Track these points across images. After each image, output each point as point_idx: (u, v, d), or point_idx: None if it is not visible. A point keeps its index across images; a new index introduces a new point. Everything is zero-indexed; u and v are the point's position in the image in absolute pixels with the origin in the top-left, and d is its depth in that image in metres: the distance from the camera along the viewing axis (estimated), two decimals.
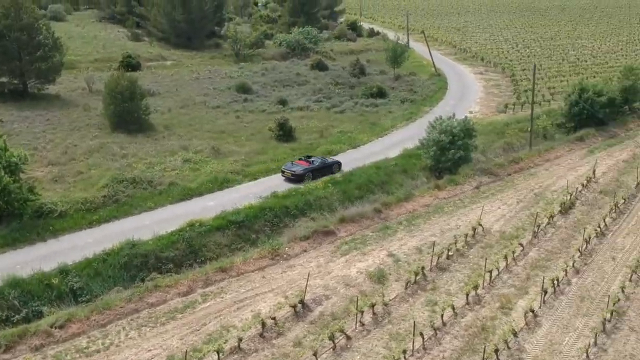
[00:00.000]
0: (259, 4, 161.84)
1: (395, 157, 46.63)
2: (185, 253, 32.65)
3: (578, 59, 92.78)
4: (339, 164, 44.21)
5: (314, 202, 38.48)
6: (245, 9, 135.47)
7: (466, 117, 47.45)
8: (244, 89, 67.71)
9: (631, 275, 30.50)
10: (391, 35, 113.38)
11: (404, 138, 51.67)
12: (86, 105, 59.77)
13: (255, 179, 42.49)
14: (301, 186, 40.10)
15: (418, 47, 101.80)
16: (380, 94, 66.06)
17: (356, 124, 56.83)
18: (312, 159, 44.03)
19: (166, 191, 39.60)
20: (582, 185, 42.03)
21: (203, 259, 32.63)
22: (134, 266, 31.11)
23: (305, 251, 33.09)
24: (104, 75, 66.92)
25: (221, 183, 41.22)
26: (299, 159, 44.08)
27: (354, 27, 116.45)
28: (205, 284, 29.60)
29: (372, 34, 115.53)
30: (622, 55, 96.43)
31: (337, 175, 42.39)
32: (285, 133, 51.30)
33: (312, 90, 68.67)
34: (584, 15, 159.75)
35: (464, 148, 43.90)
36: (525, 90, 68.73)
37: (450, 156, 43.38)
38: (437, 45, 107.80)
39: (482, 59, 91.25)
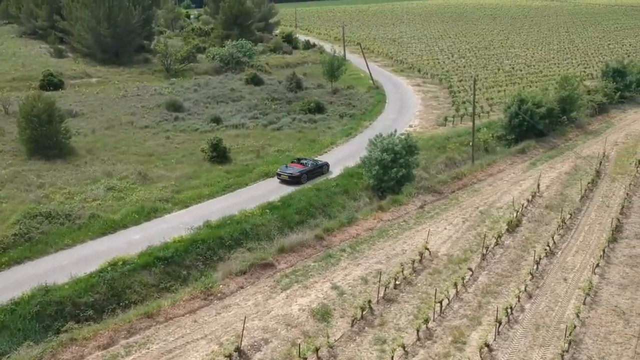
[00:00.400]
0: (191, 17, 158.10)
1: (336, 177, 44.46)
2: (107, 297, 29.32)
3: (513, 68, 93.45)
4: (327, 165, 46.33)
5: (251, 231, 35.76)
6: (177, 21, 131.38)
7: (408, 134, 45.79)
8: (174, 106, 64.29)
9: (585, 299, 29.09)
10: (327, 47, 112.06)
11: (344, 155, 49.60)
12: (0, 129, 55.19)
13: (187, 206, 39.44)
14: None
15: (355, 59, 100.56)
16: (319, 109, 63.94)
17: (294, 141, 54.41)
18: (304, 161, 45.99)
19: (86, 225, 36.04)
20: (528, 200, 40.89)
21: (127, 302, 29.41)
22: (48, 315, 27.61)
23: (241, 287, 30.33)
24: (23, 96, 62.29)
25: (148, 213, 37.96)
26: (292, 162, 45.94)
27: (289, 39, 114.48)
28: (129, 334, 26.43)
29: (308, 46, 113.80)
30: (555, 63, 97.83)
31: (276, 199, 39.82)
32: (219, 154, 48.37)
33: (248, 106, 65.91)
34: (515, 24, 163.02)
35: (407, 166, 42.15)
36: (464, 102, 68.06)
37: (392, 175, 41.53)
38: (374, 57, 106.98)
39: (419, 71, 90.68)
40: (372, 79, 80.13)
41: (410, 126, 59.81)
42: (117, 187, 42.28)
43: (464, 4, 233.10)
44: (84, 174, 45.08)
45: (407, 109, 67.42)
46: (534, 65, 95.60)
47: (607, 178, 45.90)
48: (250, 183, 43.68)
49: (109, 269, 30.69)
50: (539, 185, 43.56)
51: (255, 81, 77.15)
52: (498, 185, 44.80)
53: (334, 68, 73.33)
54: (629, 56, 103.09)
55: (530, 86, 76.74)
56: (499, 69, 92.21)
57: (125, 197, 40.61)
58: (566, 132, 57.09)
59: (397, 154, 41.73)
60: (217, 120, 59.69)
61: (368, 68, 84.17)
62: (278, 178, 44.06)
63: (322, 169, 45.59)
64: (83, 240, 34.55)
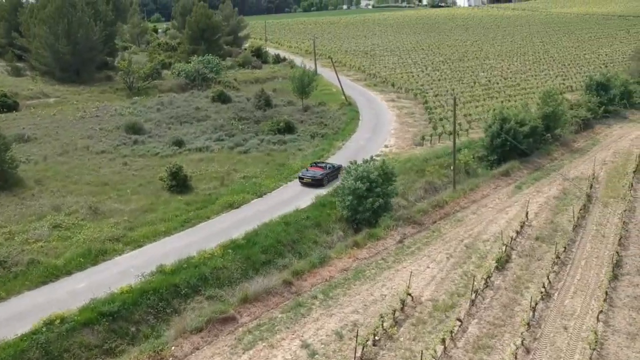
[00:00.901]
0: (160, 31, 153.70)
1: (307, 208, 40.63)
2: None
3: (489, 81, 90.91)
4: (342, 167, 46.58)
5: (211, 276, 31.71)
6: (143, 36, 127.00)
7: (384, 160, 42.20)
8: (134, 128, 60.04)
9: (591, 355, 25.56)
10: (298, 61, 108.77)
11: None
12: None
13: (140, 246, 35.25)
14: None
15: (326, 73, 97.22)
16: (289, 128, 60.27)
17: (262, 166, 50.56)
18: (322, 164, 47.49)
19: (24, 273, 31.63)
20: (516, 232, 37.50)
21: None
22: None
23: (197, 349, 26.26)
24: None
25: (96, 256, 33.68)
26: (311, 166, 47.30)
27: (258, 53, 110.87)
28: None
29: (278, 60, 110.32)
30: (532, 75, 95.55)
31: (239, 237, 35.78)
32: (178, 183, 44.26)
33: (213, 126, 61.91)
34: (488, 34, 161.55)
35: (384, 195, 38.55)
36: (441, 119, 64.96)
37: (368, 205, 37.88)
38: (346, 71, 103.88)
39: (393, 85, 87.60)
40: (344, 95, 76.68)
41: (386, 146, 56.43)
42: (64, 225, 37.93)
43: (435, 15, 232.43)
44: (29, 208, 40.66)
45: (382, 127, 64.09)
46: (510, 78, 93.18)
47: (599, 203, 42.79)
48: (213, 216, 39.63)
49: (44, 329, 26.43)
50: (527, 213, 40.24)
51: (222, 99, 73.27)
52: (483, 214, 41.39)
53: (305, 84, 69.84)
54: (606, 66, 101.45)
55: (509, 100, 74.05)
56: (475, 82, 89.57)
57: (72, 237, 36.25)
58: (551, 151, 54.14)
59: (372, 182, 38.11)
60: (179, 143, 55.61)
61: (340, 84, 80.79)
62: (301, 182, 45.31)
63: (338, 171, 46.46)
64: (19, 291, 30.20)
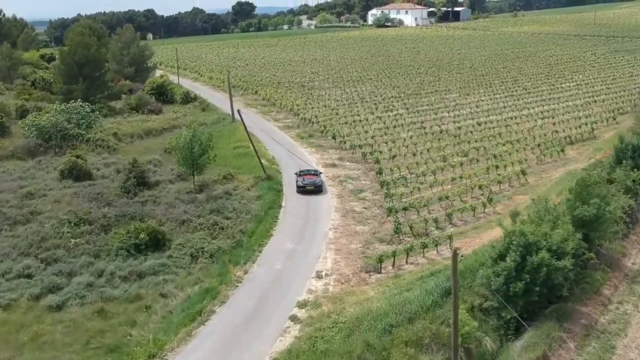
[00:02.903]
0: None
1: None
2: None
3: (459, 128, 68.84)
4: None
5: None
6: (15, 70, 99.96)
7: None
8: None
9: None
10: (217, 98, 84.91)
11: None
12: None
13: None
14: None
15: (252, 116, 73.61)
16: (156, 242, 36.12)
17: (80, 346, 26.32)
18: (309, 170, 49.07)
19: None
20: None
21: None
22: None
23: None
24: None
25: None
26: (302, 174, 47.27)
27: (161, 91, 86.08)
28: None
29: (187, 99, 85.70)
30: (512, 118, 73.93)
31: None
32: None
33: (29, 240, 36.88)
34: (442, 58, 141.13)
35: None
36: (405, 208, 41.91)
37: None
38: (275, 113, 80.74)
39: (334, 137, 64.54)
40: (261, 165, 52.26)
41: (319, 277, 32.99)
42: None
43: (381, 36, 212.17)
44: None
45: (315, 226, 40.61)
46: (486, 123, 71.37)
47: None
48: None
49: None
50: None
51: (76, 174, 48.66)
52: None
53: (196, 155, 45.49)
54: (595, 101, 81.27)
55: (498, 166, 51.86)
56: (441, 131, 67.41)
57: None
58: (599, 286, 31.46)
59: None
60: None
61: (255, 151, 55.81)
62: (302, 189, 45.53)
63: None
64: None
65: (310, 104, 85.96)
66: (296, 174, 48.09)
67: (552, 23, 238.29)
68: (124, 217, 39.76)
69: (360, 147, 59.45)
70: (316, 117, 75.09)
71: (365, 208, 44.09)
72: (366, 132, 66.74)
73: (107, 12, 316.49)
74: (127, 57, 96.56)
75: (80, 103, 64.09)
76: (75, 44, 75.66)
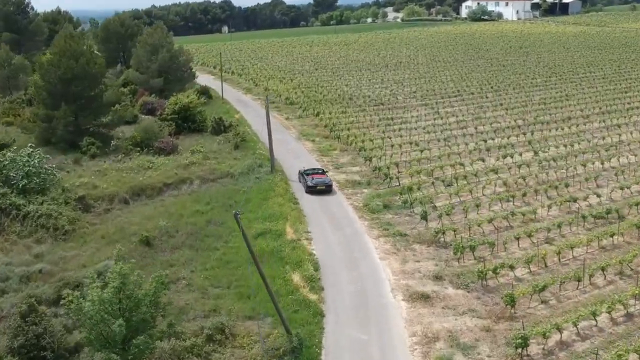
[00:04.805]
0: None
1: None
2: None
3: (506, 156, 41.67)
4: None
5: None
6: (16, 79, 78.75)
7: None
8: None
9: None
10: (257, 124, 61.46)
11: None
12: None
13: None
14: None
15: (306, 157, 49.70)
16: None
17: None
18: (316, 169, 47.20)
19: None
20: None
21: None
22: None
23: None
24: None
25: None
26: (309, 174, 45.35)
27: (186, 115, 62.33)
28: None
29: (219, 127, 61.63)
30: (562, 145, 45.87)
31: None
32: None
33: None
34: (562, 64, 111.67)
35: None
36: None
37: None
38: (339, 152, 56.28)
39: (425, 217, 39.00)
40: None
41: None
42: None
43: (478, 33, 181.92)
44: None
45: None
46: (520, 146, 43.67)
47: None
48: None
49: None
50: None
51: None
52: None
53: (123, 335, 21.22)
54: None
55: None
56: (471, 163, 40.68)
57: None
58: None
59: None
60: None
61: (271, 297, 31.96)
62: (313, 190, 43.98)
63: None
64: None
65: (389, 136, 60.74)
66: (301, 173, 46.48)
67: None
68: None
69: (472, 243, 33.61)
70: (396, 166, 49.79)
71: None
72: (478, 203, 40.71)
73: (181, 2, 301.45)
74: (154, 64, 74.50)
75: (31, 150, 41.75)
76: (60, 52, 53.65)
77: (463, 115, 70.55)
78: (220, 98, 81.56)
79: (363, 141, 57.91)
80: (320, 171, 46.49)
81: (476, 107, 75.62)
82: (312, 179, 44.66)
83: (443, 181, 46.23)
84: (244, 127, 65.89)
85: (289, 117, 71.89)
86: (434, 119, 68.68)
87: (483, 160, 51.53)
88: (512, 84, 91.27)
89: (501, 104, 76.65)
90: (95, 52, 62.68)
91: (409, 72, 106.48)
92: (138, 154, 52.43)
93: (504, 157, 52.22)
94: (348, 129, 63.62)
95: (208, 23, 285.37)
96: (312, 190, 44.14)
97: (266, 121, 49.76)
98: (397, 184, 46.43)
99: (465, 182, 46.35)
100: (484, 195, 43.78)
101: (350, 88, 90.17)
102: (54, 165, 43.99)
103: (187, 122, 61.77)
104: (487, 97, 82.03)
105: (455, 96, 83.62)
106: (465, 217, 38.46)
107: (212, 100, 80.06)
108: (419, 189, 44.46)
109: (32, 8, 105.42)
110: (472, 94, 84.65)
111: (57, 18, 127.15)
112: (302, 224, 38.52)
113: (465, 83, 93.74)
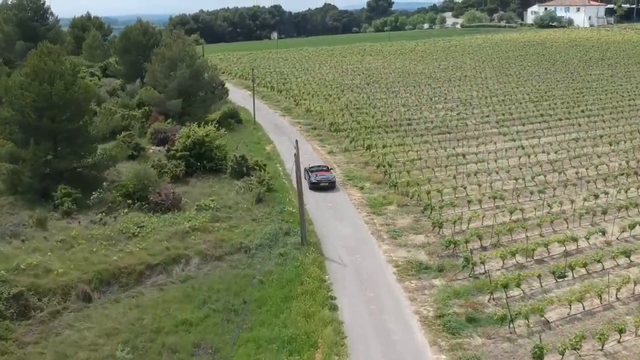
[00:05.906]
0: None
1: None
2: None
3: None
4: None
5: None
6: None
7: None
8: None
9: None
10: (305, 158, 47.32)
11: None
12: None
13: None
14: None
15: (351, 220, 35.50)
16: None
17: None
18: (320, 166, 48.00)
19: None
20: None
21: None
22: None
23: None
24: None
25: None
26: (313, 172, 45.69)
27: (201, 151, 48.67)
28: None
29: (241, 168, 47.65)
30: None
31: None
32: None
33: None
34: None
35: None
36: None
37: None
38: (398, 212, 41.59)
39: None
40: None
41: None
42: None
43: (549, 40, 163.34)
44: None
45: None
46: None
47: None
48: None
49: None
50: None
51: None
52: None
53: None
54: None
55: None
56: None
57: None
58: None
59: None
60: None
61: None
62: (316, 186, 44.30)
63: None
64: None
65: (462, 185, 45.79)
66: (306, 170, 45.05)
67: None
68: None
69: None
70: (479, 240, 34.84)
71: None
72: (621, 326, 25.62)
73: (230, 7, 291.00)
74: (172, 83, 61.48)
75: None
76: (32, 72, 40.89)
77: (556, 153, 54.98)
78: (252, 122, 67.95)
79: (428, 192, 43.13)
80: (324, 168, 47.34)
81: (569, 139, 59.82)
82: (316, 176, 45.22)
83: (554, 273, 31.05)
84: (275, 164, 52.06)
85: (333, 150, 57.78)
86: (519, 157, 53.40)
87: (603, 234, 36.08)
88: (607, 107, 74.83)
89: (601, 136, 60.62)
90: (93, 73, 49.49)
91: (477, 87, 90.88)
92: (127, 210, 39.00)
93: (631, 227, 36.63)
94: (407, 171, 49.07)
95: (257, 29, 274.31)
96: (315, 186, 44.77)
97: (296, 176, 35.52)
98: (484, 271, 31.60)
99: (585, 272, 31.23)
100: (617, 299, 28.61)
101: (409, 109, 75.39)
102: None
103: (201, 160, 48.10)
104: (579, 125, 66.04)
105: (539, 122, 67.91)
106: (601, 348, 23.42)
107: (242, 126, 66.56)
108: (518, 285, 29.53)
109: (52, 14, 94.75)
110: (560, 119, 68.70)
111: (86, 24, 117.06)
112: (340, 357, 24.24)
113: (547, 104, 77.75)
